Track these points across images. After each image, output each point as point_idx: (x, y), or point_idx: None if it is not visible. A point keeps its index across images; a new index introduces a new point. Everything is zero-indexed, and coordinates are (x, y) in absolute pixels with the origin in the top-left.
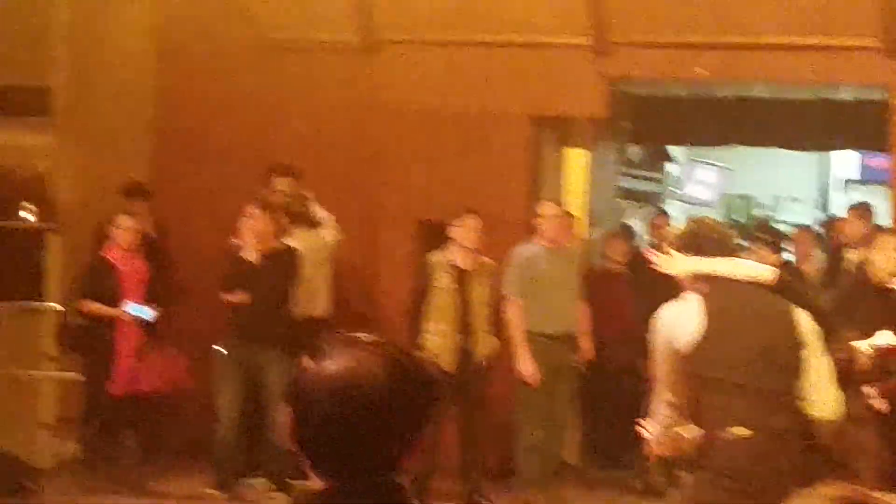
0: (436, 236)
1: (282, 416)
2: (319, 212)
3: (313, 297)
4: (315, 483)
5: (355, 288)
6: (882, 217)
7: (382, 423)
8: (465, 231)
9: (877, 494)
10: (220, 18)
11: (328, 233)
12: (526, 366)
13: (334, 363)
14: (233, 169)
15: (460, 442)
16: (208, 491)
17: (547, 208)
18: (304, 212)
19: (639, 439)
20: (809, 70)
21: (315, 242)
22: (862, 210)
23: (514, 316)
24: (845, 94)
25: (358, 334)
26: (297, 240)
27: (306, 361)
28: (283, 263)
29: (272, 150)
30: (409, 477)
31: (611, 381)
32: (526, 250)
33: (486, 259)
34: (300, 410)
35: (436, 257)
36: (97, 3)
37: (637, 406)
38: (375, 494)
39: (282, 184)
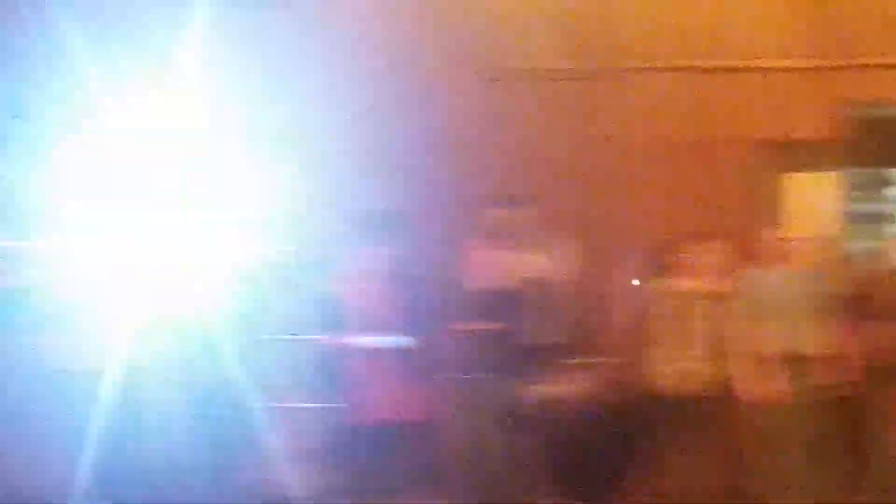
0: (663, 262)
1: (517, 441)
2: (548, 241)
3: (545, 325)
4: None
5: (584, 316)
6: None
7: (607, 442)
8: (692, 256)
9: None
10: (442, 48)
11: (558, 262)
12: (763, 387)
13: (563, 386)
14: (463, 198)
15: (690, 467)
16: None
17: (773, 231)
18: (534, 241)
19: None
20: None
21: (546, 271)
22: None
23: (749, 339)
24: None
25: (584, 359)
26: (530, 268)
27: (537, 385)
28: (515, 293)
29: (495, 180)
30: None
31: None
32: (756, 274)
33: (713, 284)
34: (536, 432)
35: (663, 282)
36: None
37: None
38: None
39: (502, 213)
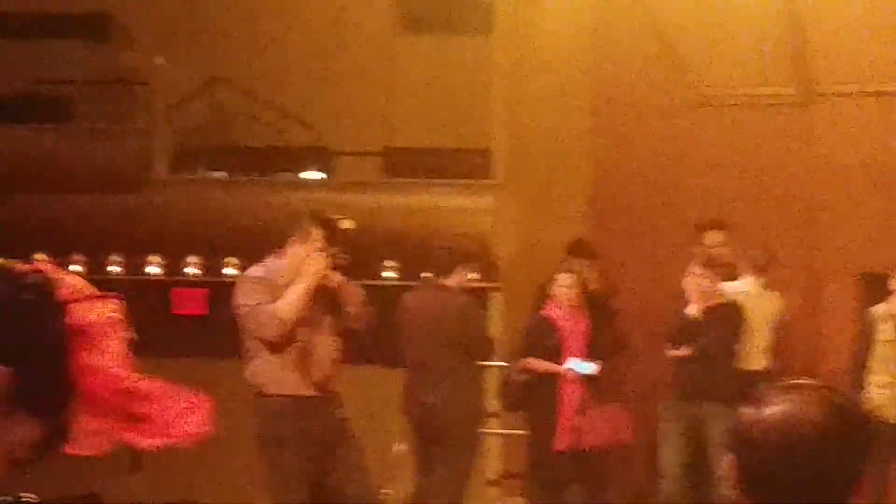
0: (879, 289)
1: (726, 466)
2: (761, 267)
3: (756, 351)
4: None
5: (797, 342)
6: None
7: (823, 466)
8: None
9: None
10: (655, 71)
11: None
12: None
13: (773, 408)
14: (669, 224)
15: None
16: None
17: None
18: (746, 266)
19: None
20: None
21: (758, 297)
22: None
23: None
24: None
25: (795, 380)
26: (740, 294)
27: (747, 409)
28: (726, 318)
29: (707, 205)
30: None
31: None
32: None
33: None
34: (743, 457)
35: (879, 309)
36: (533, 65)
37: None
38: None
39: (714, 238)
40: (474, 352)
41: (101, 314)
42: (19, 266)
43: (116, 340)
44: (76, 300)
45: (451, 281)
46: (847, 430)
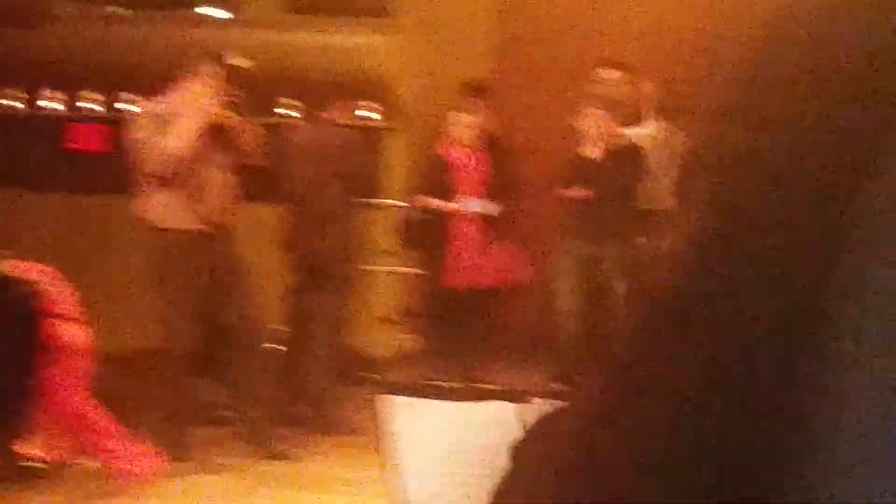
0: None
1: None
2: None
3: (659, 191)
4: None
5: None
6: None
7: None
8: None
9: None
10: None
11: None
12: None
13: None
14: (574, 63)
15: None
16: (553, 386)
17: None
18: (640, 108)
19: None
20: None
21: (662, 139)
22: None
23: None
24: None
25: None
26: (639, 136)
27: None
28: (625, 161)
29: (611, 46)
30: None
31: None
32: None
33: None
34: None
35: None
36: None
37: None
38: None
39: (612, 77)
40: (356, 188)
41: (75, 338)
42: (14, 268)
43: (82, 365)
44: (58, 317)
45: (335, 115)
46: None
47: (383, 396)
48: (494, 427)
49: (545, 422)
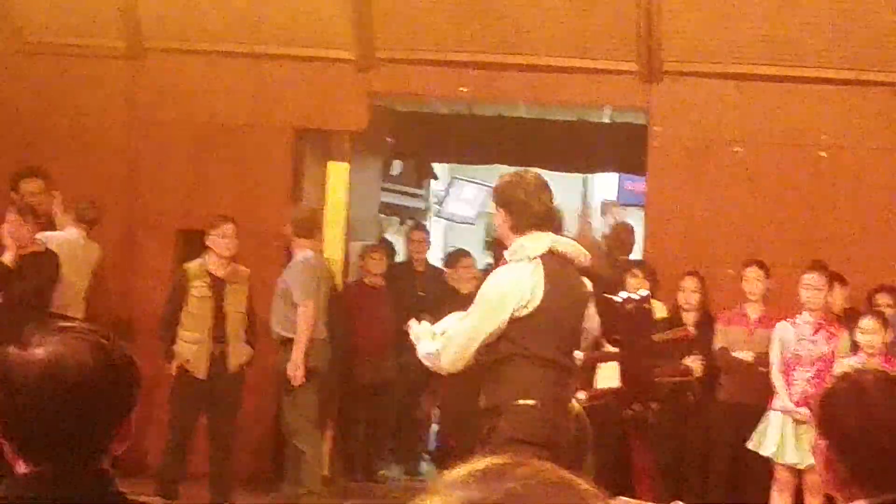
0: (195, 245)
1: None
2: (64, 219)
3: (74, 298)
4: (21, 468)
5: (113, 293)
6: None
7: (88, 408)
8: (222, 240)
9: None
10: None
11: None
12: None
13: (41, 349)
14: None
15: (210, 448)
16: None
17: None
18: (55, 214)
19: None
20: (571, 92)
21: (80, 247)
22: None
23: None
24: (606, 117)
25: (66, 322)
26: (55, 243)
27: (11, 348)
28: (39, 265)
29: (31, 156)
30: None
31: (366, 393)
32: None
33: (241, 268)
34: (4, 396)
35: (192, 265)
36: None
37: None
38: (81, 479)
39: (31, 186)
40: None
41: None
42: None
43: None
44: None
45: None
46: (112, 372)
47: None
48: None
49: None
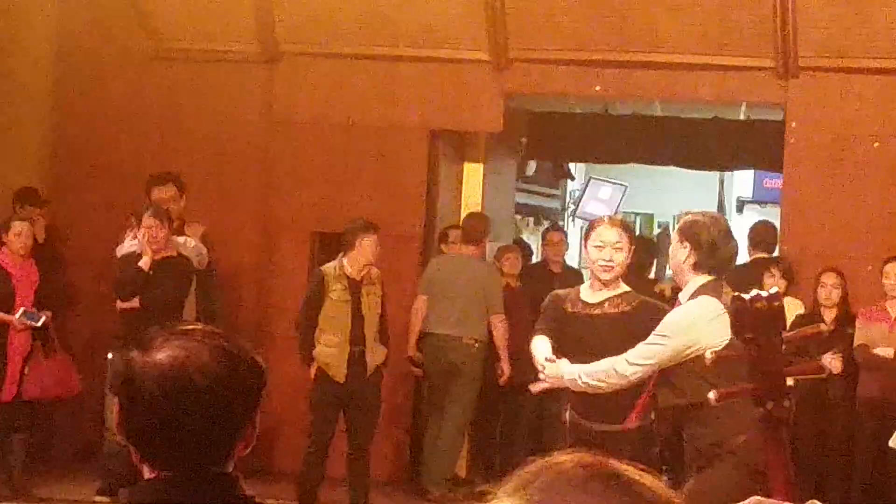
0: (332, 247)
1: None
2: (189, 230)
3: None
4: (146, 473)
5: (252, 294)
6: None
7: (212, 411)
8: (361, 242)
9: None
10: (121, 26)
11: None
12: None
13: (163, 353)
14: (128, 177)
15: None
16: (97, 498)
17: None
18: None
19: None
20: (706, 89)
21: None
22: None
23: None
24: (742, 114)
25: (187, 326)
26: (186, 248)
27: (134, 353)
28: (174, 271)
29: (169, 161)
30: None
31: (506, 395)
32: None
33: (374, 269)
34: (128, 401)
35: (329, 268)
36: None
37: (529, 421)
38: (206, 484)
39: (164, 192)
40: None
41: None
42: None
43: None
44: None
45: None
46: (236, 376)
47: None
48: None
49: None
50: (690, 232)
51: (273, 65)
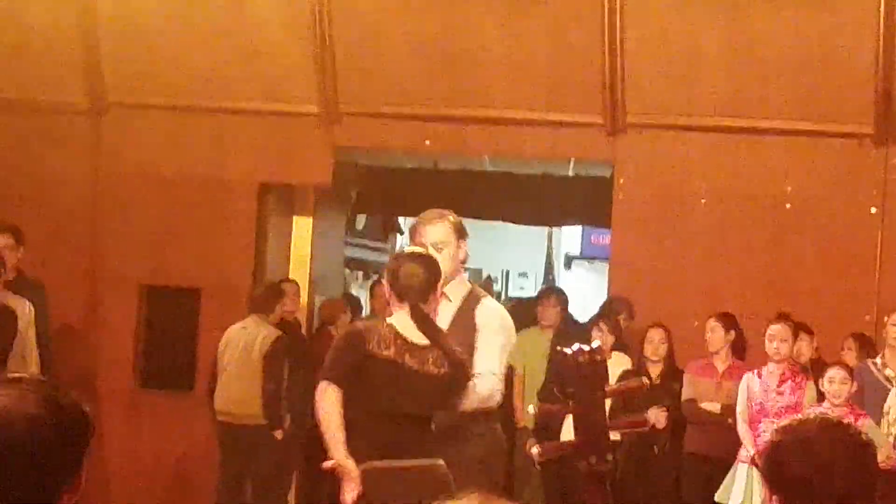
0: (161, 301)
1: None
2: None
3: (25, 356)
4: None
5: (79, 349)
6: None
7: (36, 460)
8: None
9: None
10: None
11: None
12: None
13: None
14: None
15: None
16: None
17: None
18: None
19: None
20: (535, 144)
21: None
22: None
23: None
24: (570, 170)
25: (15, 374)
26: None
27: None
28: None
29: None
30: None
31: None
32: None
33: None
34: None
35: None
36: None
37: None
38: None
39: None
40: None
41: None
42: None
43: None
44: None
45: None
46: (63, 424)
47: None
48: None
49: None
50: (462, 229)
51: (100, 116)
